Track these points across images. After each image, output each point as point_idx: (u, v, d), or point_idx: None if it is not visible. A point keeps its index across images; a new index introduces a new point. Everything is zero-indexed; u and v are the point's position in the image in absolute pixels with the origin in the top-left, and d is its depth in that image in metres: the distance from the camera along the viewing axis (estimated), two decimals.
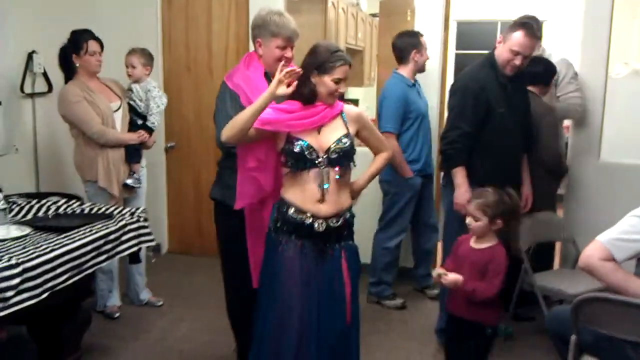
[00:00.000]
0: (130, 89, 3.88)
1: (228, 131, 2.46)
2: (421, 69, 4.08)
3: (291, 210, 2.51)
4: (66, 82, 3.72)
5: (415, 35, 4.06)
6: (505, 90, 3.26)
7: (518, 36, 3.14)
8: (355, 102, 6.24)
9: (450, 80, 6.43)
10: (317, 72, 2.47)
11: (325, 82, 2.47)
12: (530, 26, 3.17)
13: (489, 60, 3.30)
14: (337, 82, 2.46)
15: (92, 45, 3.65)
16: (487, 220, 2.65)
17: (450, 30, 4.80)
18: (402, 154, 3.97)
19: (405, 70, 4.04)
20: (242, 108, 2.61)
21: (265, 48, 2.78)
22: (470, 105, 3.19)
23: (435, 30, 4.41)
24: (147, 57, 3.88)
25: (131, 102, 3.85)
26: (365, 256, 4.23)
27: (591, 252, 2.30)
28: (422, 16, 4.45)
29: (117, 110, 3.74)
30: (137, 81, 3.87)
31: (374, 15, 6.92)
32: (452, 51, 7.11)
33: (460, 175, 3.22)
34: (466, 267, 2.65)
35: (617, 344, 2.29)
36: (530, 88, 3.60)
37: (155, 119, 3.87)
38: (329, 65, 2.45)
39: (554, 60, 3.90)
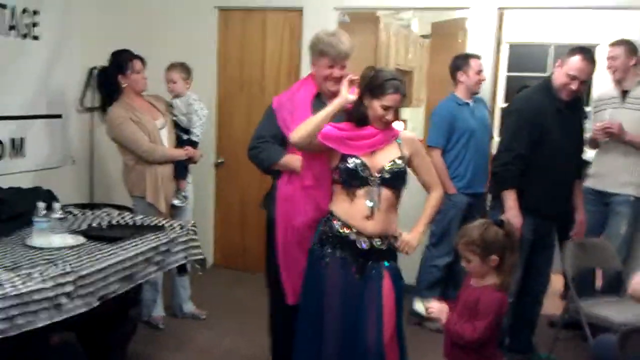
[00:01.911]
0: (171, 105, 3.93)
1: (299, 132, 2.54)
2: (472, 90, 4.08)
3: (337, 224, 2.55)
4: (104, 104, 3.78)
5: (464, 57, 4.10)
6: (561, 114, 3.23)
7: (575, 60, 3.13)
8: (403, 122, 6.25)
9: (500, 101, 6.37)
10: (370, 95, 2.51)
11: (374, 107, 2.50)
12: (588, 51, 3.17)
13: (545, 84, 3.30)
14: (386, 108, 2.49)
15: (137, 64, 3.71)
16: (479, 259, 2.36)
17: (503, 52, 4.76)
18: (446, 169, 4.00)
19: (457, 90, 4.11)
20: (276, 127, 2.80)
21: (315, 67, 2.85)
22: (525, 128, 3.18)
23: (487, 52, 4.38)
24: (187, 72, 3.92)
25: (174, 118, 3.90)
26: (410, 276, 4.23)
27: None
28: (474, 38, 4.44)
29: (162, 128, 3.80)
30: (177, 96, 3.91)
31: (425, 36, 6.93)
32: (503, 73, 7.04)
33: (511, 198, 3.19)
34: (459, 305, 2.43)
35: None
36: None
37: (199, 132, 3.91)
38: (380, 91, 2.48)
39: None
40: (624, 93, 3.84)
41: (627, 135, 3.69)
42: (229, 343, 3.79)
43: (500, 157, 3.24)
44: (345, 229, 2.54)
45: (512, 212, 3.18)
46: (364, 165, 2.50)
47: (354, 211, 2.52)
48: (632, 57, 3.83)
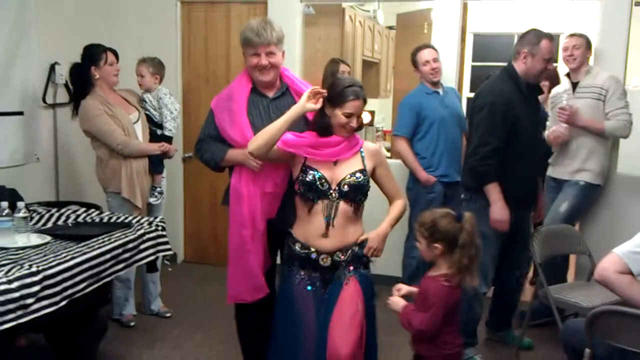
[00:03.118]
0: (143, 100, 3.92)
1: (255, 142, 2.53)
2: (428, 79, 4.12)
3: (297, 246, 2.57)
4: (76, 98, 3.74)
5: (415, 50, 4.17)
6: (525, 102, 3.31)
7: (546, 44, 3.25)
8: (371, 113, 6.28)
9: (466, 91, 6.45)
10: (330, 104, 2.51)
11: (337, 115, 2.50)
12: (541, 31, 3.31)
13: (508, 73, 3.35)
14: (348, 115, 2.48)
15: (110, 56, 3.70)
16: (425, 244, 2.40)
17: (467, 42, 4.82)
18: (414, 156, 4.10)
19: (422, 83, 4.19)
20: (214, 128, 2.77)
21: (245, 59, 2.78)
22: (499, 121, 3.21)
23: (451, 43, 4.42)
24: (157, 66, 3.91)
25: (147, 113, 3.90)
26: (397, 269, 4.29)
27: (607, 265, 2.28)
28: (439, 29, 4.47)
29: (136, 122, 3.79)
30: (148, 90, 3.91)
31: (390, 27, 6.97)
32: (468, 63, 7.13)
33: (495, 191, 3.22)
34: (417, 294, 2.47)
35: (631, 358, 2.28)
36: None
37: (171, 126, 3.90)
38: (340, 99, 2.47)
39: (603, 77, 3.88)
40: (574, 85, 3.95)
41: (580, 120, 3.80)
42: (201, 338, 3.78)
43: (478, 152, 3.23)
44: (305, 249, 2.55)
45: (498, 205, 3.21)
46: (323, 178, 2.49)
47: (311, 229, 2.53)
48: (589, 50, 3.96)
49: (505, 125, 3.21)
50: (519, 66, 3.32)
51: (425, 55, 4.09)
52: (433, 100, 4.11)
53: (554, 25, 6.98)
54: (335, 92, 2.49)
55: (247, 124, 2.69)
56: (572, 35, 4.00)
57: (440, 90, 4.16)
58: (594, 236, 4.00)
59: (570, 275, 4.24)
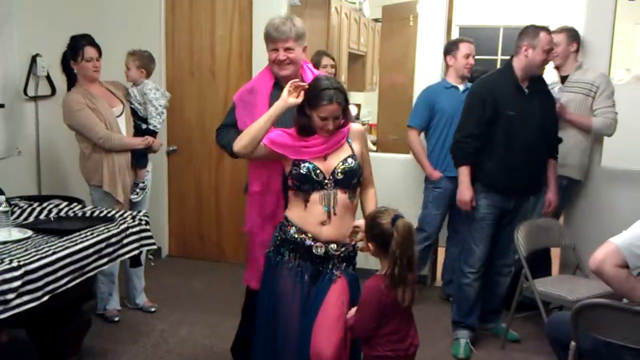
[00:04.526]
0: (128, 93, 3.88)
1: (240, 141, 2.52)
2: (460, 73, 4.09)
3: (292, 230, 2.51)
4: (69, 87, 3.72)
5: (455, 41, 4.17)
6: (522, 94, 3.39)
7: (544, 36, 3.34)
8: (357, 106, 6.26)
9: None
10: (308, 105, 2.47)
11: (313, 117, 2.46)
12: (537, 25, 3.41)
13: (505, 67, 3.50)
14: (324, 119, 2.43)
15: (89, 51, 3.62)
16: (365, 240, 2.32)
17: (453, 35, 4.81)
18: (423, 149, 4.18)
19: (448, 74, 4.20)
20: (234, 120, 2.86)
21: (268, 53, 2.84)
22: (476, 107, 3.38)
23: (437, 35, 4.41)
24: (144, 60, 3.86)
25: (132, 107, 3.86)
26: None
27: (605, 258, 2.20)
28: (425, 21, 4.46)
29: (120, 115, 3.74)
30: (134, 83, 3.87)
31: (376, 20, 6.94)
32: None
33: (463, 174, 3.45)
34: None
35: (616, 350, 2.29)
36: None
37: (156, 121, 3.86)
38: (315, 102, 2.42)
39: (594, 73, 3.89)
40: (563, 78, 3.97)
41: (567, 114, 3.83)
42: (186, 333, 3.75)
43: (455, 137, 3.48)
44: (300, 234, 2.50)
45: (462, 186, 3.44)
46: (317, 168, 2.46)
47: (309, 217, 2.48)
48: (573, 44, 3.94)
49: (483, 113, 3.35)
50: (520, 60, 3.39)
51: (468, 48, 4.07)
52: (450, 95, 4.08)
53: (540, 18, 7.00)
54: (312, 94, 2.45)
55: None
56: (553, 31, 3.98)
57: (462, 86, 4.11)
58: (578, 229, 4.02)
59: (555, 268, 4.26)
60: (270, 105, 2.65)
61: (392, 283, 2.18)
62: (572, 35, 3.96)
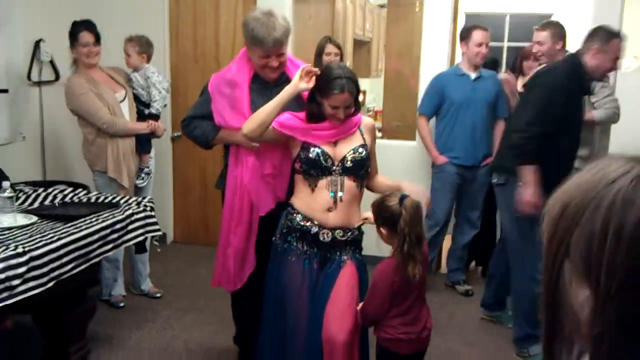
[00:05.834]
0: (130, 79, 3.86)
1: (250, 124, 2.48)
2: (472, 61, 4.03)
3: (298, 218, 2.49)
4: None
5: (469, 28, 4.10)
6: (579, 96, 3.21)
7: (617, 42, 3.06)
8: (362, 93, 6.23)
9: None
10: (319, 93, 2.44)
11: (324, 105, 2.43)
12: (619, 32, 3.18)
13: (574, 64, 3.14)
14: (334, 107, 2.40)
15: (85, 37, 3.59)
16: (376, 226, 2.34)
17: (459, 22, 4.77)
18: (429, 135, 4.17)
19: (461, 61, 4.16)
20: (209, 111, 2.70)
21: (250, 53, 2.69)
22: (555, 106, 3.03)
23: (444, 22, 4.38)
24: (144, 45, 3.83)
25: (134, 92, 3.84)
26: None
27: None
28: (431, 8, 4.42)
29: (123, 101, 3.72)
30: (135, 69, 3.85)
31: (382, 6, 6.89)
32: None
33: (532, 173, 3.04)
34: None
35: None
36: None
37: (159, 105, 3.83)
38: (326, 90, 2.39)
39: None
40: None
41: None
42: (191, 319, 3.76)
43: (527, 130, 3.03)
44: (306, 222, 2.48)
45: (532, 187, 3.03)
46: (326, 154, 2.43)
47: (315, 203, 2.46)
48: (559, 41, 3.76)
49: (559, 113, 3.04)
50: (590, 60, 3.09)
51: (481, 36, 3.99)
52: (461, 82, 4.05)
53: (546, 6, 6.94)
54: (323, 81, 2.42)
55: (248, 111, 2.61)
56: (537, 28, 3.87)
57: (474, 74, 4.06)
58: None
59: None
60: (251, 97, 2.61)
61: (402, 260, 2.21)
62: (557, 32, 3.77)
